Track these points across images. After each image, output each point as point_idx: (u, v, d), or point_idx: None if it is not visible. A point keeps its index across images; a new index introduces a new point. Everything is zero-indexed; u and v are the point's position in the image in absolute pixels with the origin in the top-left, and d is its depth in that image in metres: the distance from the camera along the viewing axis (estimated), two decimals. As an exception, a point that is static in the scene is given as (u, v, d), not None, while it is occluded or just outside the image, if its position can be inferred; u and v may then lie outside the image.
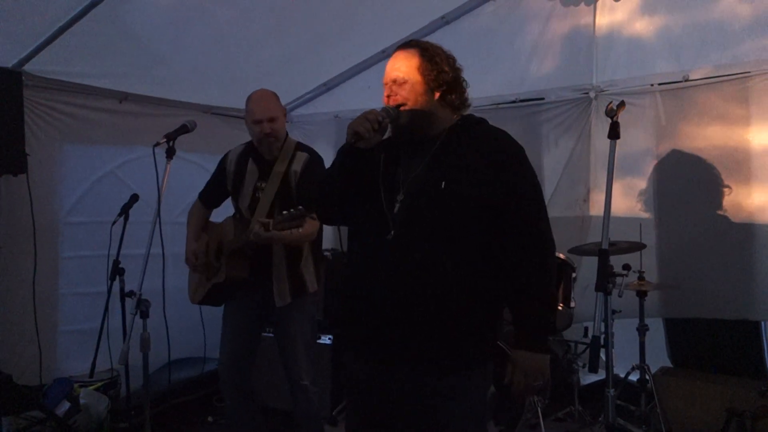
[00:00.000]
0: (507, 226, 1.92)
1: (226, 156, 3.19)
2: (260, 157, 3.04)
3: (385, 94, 2.03)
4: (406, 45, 2.09)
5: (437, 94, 2.01)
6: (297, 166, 2.99)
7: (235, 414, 3.13)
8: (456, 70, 2.07)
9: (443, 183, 1.91)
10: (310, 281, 3.05)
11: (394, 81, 2.01)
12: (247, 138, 3.12)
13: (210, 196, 3.24)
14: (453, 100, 2.05)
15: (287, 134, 3.10)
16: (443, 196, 1.91)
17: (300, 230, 2.65)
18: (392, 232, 1.93)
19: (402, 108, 1.99)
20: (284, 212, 2.61)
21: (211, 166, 3.27)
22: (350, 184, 2.03)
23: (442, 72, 2.02)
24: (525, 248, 1.93)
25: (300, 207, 2.58)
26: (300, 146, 3.09)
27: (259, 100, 3.00)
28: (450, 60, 2.07)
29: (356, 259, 2.08)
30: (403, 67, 2.02)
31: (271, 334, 3.31)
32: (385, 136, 2.05)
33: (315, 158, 3.06)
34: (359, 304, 2.01)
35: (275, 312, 3.01)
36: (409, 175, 2.00)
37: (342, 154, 2.03)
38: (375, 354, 2.00)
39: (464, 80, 2.09)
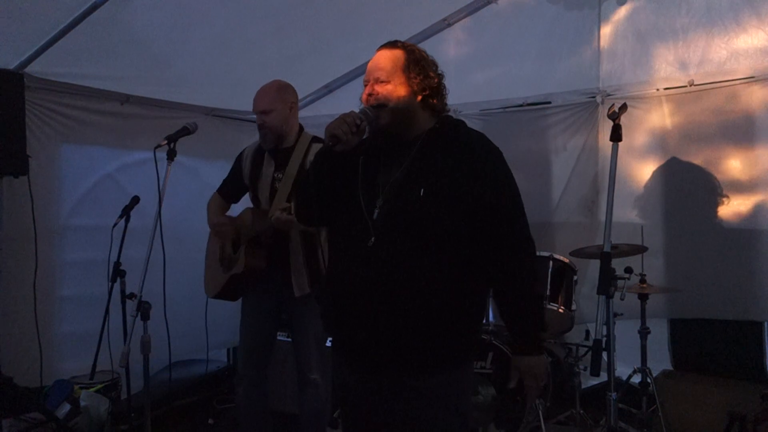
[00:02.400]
0: (487, 230, 1.92)
1: (242, 152, 3.23)
2: (276, 150, 3.06)
3: (366, 92, 2.01)
4: (390, 44, 2.07)
5: (419, 98, 1.99)
6: (312, 156, 2.99)
7: (245, 411, 3.15)
8: (439, 76, 2.06)
9: (422, 190, 1.90)
10: None
11: (377, 80, 1.99)
12: (249, 139, 3.13)
13: (228, 192, 3.29)
14: (434, 105, 2.03)
15: (302, 128, 3.11)
16: (423, 204, 1.89)
17: None
18: (373, 239, 1.92)
19: (382, 109, 1.97)
20: None
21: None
22: (327, 186, 2.01)
23: (427, 76, 2.01)
24: (506, 252, 1.94)
25: None
26: (316, 139, 3.09)
27: (259, 92, 3.03)
28: (434, 65, 2.06)
29: (337, 265, 2.06)
30: (388, 66, 2.00)
31: (281, 337, 3.32)
32: (364, 137, 2.03)
33: None
34: (342, 311, 2.00)
35: (291, 304, 3.03)
36: (388, 180, 1.98)
37: (320, 156, 2.02)
38: (358, 359, 2.02)
39: (445, 86, 2.08)
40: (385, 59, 2.02)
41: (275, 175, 3.05)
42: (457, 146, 1.97)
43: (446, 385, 1.95)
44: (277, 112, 2.98)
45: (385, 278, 1.89)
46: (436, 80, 2.03)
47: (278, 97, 3.01)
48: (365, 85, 2.04)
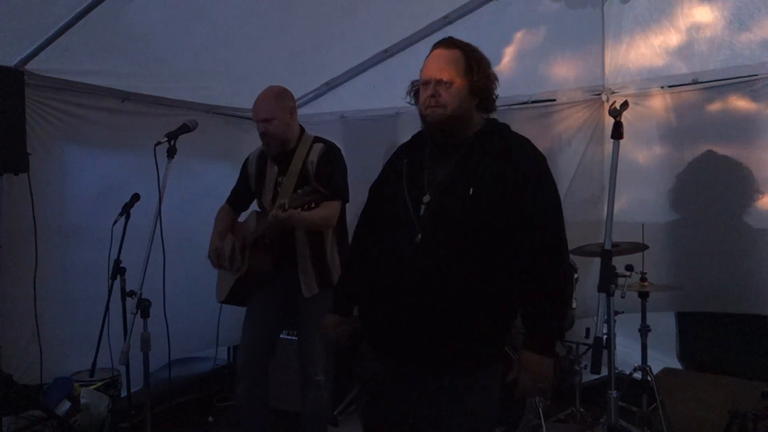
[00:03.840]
0: (526, 237, 1.95)
1: (246, 159, 3.26)
2: (279, 155, 3.07)
3: (429, 93, 1.99)
4: (449, 44, 2.05)
5: (477, 100, 2.02)
6: (313, 156, 3.02)
7: (245, 410, 3.15)
8: (494, 75, 2.06)
9: (471, 189, 1.93)
10: (336, 273, 3.08)
11: (439, 81, 1.97)
12: (249, 137, 3.13)
13: (237, 200, 3.31)
14: (488, 105, 2.06)
15: (303, 130, 3.13)
16: (471, 203, 1.93)
17: (316, 209, 2.61)
18: (419, 236, 1.96)
19: (440, 117, 1.98)
20: (299, 190, 2.63)
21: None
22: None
23: (487, 79, 2.02)
24: (541, 260, 1.96)
25: (313, 183, 2.60)
26: (317, 139, 3.11)
27: (259, 101, 3.03)
28: (489, 64, 2.06)
29: (383, 261, 2.09)
30: (451, 68, 1.98)
31: (285, 336, 3.32)
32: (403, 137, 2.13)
33: (331, 147, 3.08)
34: (384, 304, 2.04)
35: (301, 305, 3.04)
36: (435, 178, 2.02)
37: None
38: (395, 353, 2.04)
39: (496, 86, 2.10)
40: (447, 60, 2.00)
41: (278, 179, 3.07)
42: (504, 150, 2.00)
43: (474, 386, 1.98)
44: (278, 120, 2.99)
45: (430, 275, 1.93)
46: (493, 81, 2.04)
47: (278, 104, 3.01)
48: (423, 85, 2.02)
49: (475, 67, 2.00)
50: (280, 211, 2.71)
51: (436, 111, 1.98)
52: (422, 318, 1.95)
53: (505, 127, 2.11)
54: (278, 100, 3.03)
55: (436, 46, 2.06)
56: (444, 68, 1.98)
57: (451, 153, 2.02)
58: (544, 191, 2.00)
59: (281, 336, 3.36)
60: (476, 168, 1.97)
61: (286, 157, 3.05)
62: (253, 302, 3.17)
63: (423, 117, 2.04)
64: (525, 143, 2.06)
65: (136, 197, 3.29)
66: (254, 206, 3.30)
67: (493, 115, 2.15)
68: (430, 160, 2.06)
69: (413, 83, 2.10)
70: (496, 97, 2.08)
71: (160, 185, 2.63)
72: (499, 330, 2.02)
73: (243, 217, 3.33)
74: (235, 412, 3.91)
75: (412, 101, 2.11)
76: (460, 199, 1.94)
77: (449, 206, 1.95)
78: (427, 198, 1.99)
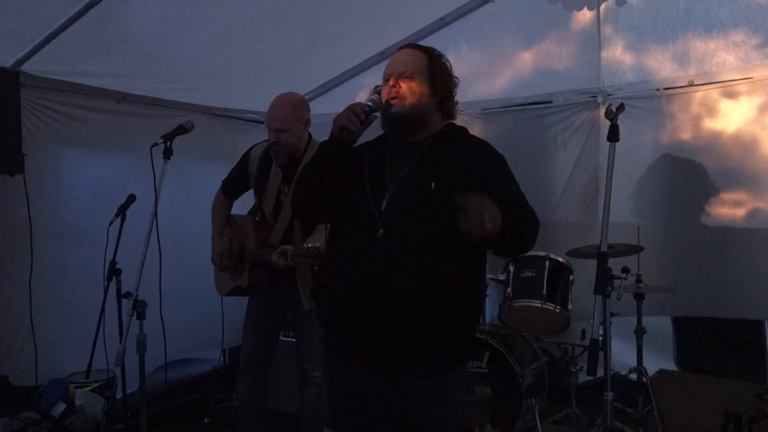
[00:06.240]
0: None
1: (249, 151, 3.21)
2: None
3: (390, 84, 2.03)
4: (412, 45, 2.13)
5: (437, 100, 2.06)
6: None
7: (245, 408, 3.16)
8: (455, 81, 2.13)
9: (433, 184, 1.94)
10: None
11: (401, 74, 2.02)
12: (245, 138, 3.12)
13: (232, 189, 3.28)
14: (448, 108, 2.10)
15: (311, 136, 3.08)
16: (433, 197, 1.92)
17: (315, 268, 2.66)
18: (381, 231, 1.93)
19: (395, 102, 2.00)
20: (304, 245, 2.62)
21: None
22: (337, 179, 1.99)
23: (448, 79, 2.08)
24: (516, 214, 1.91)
25: (318, 245, 2.57)
26: None
27: (274, 108, 2.97)
28: (451, 68, 2.12)
29: (342, 259, 2.03)
30: (414, 63, 2.04)
31: (283, 338, 3.33)
32: (366, 138, 2.08)
33: None
34: (345, 305, 1.98)
35: (298, 309, 3.03)
36: (397, 175, 2.02)
37: (328, 148, 2.00)
38: (360, 356, 1.99)
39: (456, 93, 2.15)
40: (411, 56, 2.08)
41: (281, 188, 3.04)
42: (464, 149, 2.05)
43: (444, 386, 1.98)
44: (293, 131, 2.95)
45: (393, 270, 1.90)
46: (454, 84, 2.10)
47: (295, 115, 2.96)
48: (386, 80, 2.07)
49: (437, 65, 2.06)
50: (282, 260, 2.75)
51: (395, 103, 2.01)
52: (383, 316, 1.89)
53: (464, 130, 2.16)
54: (295, 110, 2.97)
55: (401, 48, 2.14)
56: (406, 62, 2.05)
57: (412, 151, 2.04)
58: (508, 187, 2.03)
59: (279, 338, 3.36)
60: (436, 164, 1.98)
61: (291, 166, 3.01)
62: (253, 302, 3.18)
63: (383, 113, 2.05)
64: (483, 144, 2.11)
65: (132, 198, 3.28)
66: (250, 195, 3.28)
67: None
68: (391, 159, 2.07)
69: (376, 87, 2.13)
70: (457, 102, 2.13)
71: (156, 186, 2.63)
72: (465, 326, 2.02)
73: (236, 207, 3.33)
74: (231, 413, 3.92)
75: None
76: (422, 192, 1.94)
77: (411, 200, 1.95)
78: (389, 194, 1.99)
